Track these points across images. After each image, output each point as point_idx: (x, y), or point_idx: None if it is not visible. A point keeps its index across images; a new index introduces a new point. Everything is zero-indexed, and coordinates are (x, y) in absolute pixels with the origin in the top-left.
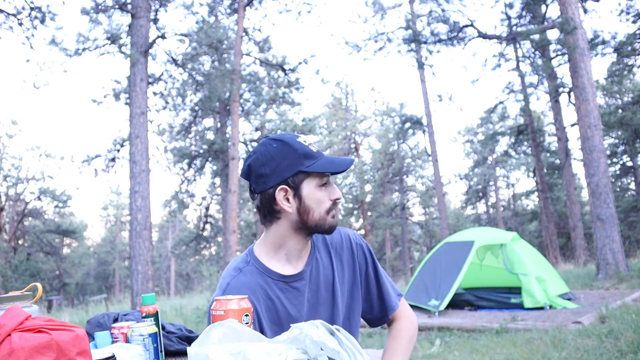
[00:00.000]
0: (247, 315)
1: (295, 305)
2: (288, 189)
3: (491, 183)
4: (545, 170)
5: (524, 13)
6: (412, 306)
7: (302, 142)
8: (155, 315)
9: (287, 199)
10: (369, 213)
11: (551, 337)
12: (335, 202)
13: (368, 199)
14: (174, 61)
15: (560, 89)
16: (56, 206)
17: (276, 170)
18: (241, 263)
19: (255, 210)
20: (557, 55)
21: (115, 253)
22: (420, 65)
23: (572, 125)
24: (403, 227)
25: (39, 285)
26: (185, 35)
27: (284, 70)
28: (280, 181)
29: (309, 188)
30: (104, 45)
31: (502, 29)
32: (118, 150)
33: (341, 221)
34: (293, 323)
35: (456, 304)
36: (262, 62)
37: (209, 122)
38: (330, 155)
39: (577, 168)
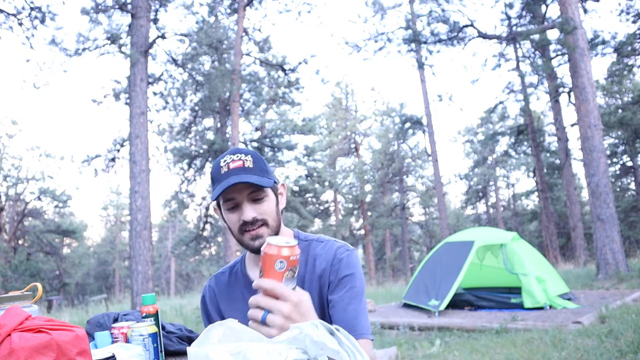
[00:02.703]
0: (281, 261)
1: None
2: (216, 206)
3: (491, 183)
4: (545, 170)
5: (524, 13)
6: (412, 306)
7: (219, 162)
8: (155, 315)
9: (221, 214)
10: (369, 213)
11: (551, 337)
12: (245, 222)
13: (368, 199)
14: (174, 61)
15: (560, 89)
16: (56, 206)
17: None
18: (233, 262)
19: None
20: (557, 55)
21: (115, 253)
22: (420, 65)
23: (572, 125)
24: (403, 227)
25: (39, 285)
26: (185, 35)
27: (284, 70)
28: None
29: (223, 209)
30: (104, 45)
31: (502, 29)
32: (118, 150)
33: (341, 221)
34: None
35: (456, 304)
36: (262, 62)
37: (209, 122)
38: (234, 176)
39: (577, 168)
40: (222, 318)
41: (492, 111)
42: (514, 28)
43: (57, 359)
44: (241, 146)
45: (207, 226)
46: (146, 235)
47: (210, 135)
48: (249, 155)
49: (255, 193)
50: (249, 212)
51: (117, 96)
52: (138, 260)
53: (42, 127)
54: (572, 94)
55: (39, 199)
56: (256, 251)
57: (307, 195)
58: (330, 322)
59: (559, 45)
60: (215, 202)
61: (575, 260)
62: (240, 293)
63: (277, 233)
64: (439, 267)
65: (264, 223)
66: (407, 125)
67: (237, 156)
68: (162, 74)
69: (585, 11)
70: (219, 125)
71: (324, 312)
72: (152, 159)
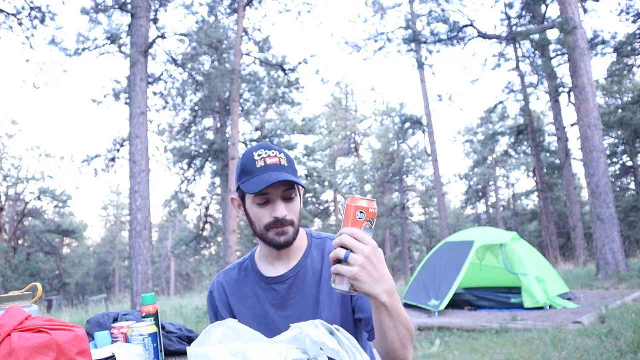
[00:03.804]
0: (361, 212)
1: (274, 306)
2: (237, 199)
3: (491, 183)
4: (545, 170)
5: (524, 13)
6: (412, 306)
7: (253, 156)
8: (155, 315)
9: (240, 208)
10: None
11: (551, 337)
12: (277, 220)
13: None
14: (174, 61)
15: (560, 89)
16: (56, 206)
17: (236, 181)
18: (242, 259)
19: None
20: (557, 55)
21: (115, 253)
22: (420, 65)
23: (572, 125)
24: (403, 227)
25: (39, 285)
26: (185, 35)
27: (284, 70)
28: (236, 190)
29: (249, 202)
30: (104, 45)
31: (502, 29)
32: (118, 150)
33: (341, 221)
34: (269, 322)
35: (456, 304)
36: (262, 62)
37: (209, 122)
38: (274, 173)
39: (577, 168)
40: (232, 314)
41: (492, 111)
42: (514, 28)
43: (57, 359)
44: (241, 146)
45: (207, 226)
46: (146, 235)
47: (210, 135)
48: (282, 154)
49: (289, 192)
50: (283, 210)
51: (117, 96)
52: (138, 260)
53: (42, 127)
54: (572, 94)
55: (39, 199)
56: (280, 247)
57: (307, 195)
58: (354, 312)
59: (559, 45)
60: (237, 193)
61: (575, 260)
62: (251, 289)
63: (298, 233)
64: (439, 267)
65: (292, 222)
66: (407, 125)
67: (273, 152)
68: (162, 74)
69: (585, 11)
70: (219, 125)
71: (346, 303)
72: (152, 159)
